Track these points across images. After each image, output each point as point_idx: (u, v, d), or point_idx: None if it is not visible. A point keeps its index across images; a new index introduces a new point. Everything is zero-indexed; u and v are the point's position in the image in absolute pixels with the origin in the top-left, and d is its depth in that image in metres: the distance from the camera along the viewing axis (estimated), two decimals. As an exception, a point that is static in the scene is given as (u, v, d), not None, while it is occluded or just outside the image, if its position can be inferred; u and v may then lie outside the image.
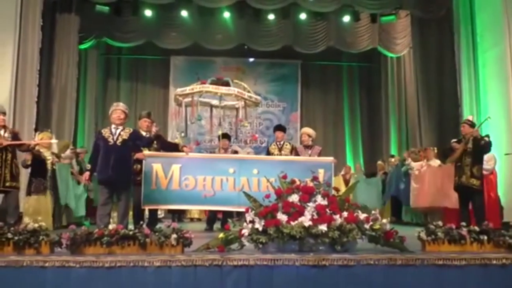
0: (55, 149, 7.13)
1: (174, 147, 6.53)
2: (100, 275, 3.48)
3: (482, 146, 5.94)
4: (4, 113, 5.75)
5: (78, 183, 7.77)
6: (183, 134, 7.61)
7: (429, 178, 7.85)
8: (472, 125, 6.24)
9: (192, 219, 9.74)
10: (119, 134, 5.30)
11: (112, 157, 5.20)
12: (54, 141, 7.03)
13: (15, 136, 5.77)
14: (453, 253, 3.79)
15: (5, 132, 5.65)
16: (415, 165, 8.38)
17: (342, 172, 10.51)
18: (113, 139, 5.26)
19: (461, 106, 9.05)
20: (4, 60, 7.58)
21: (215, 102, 7.62)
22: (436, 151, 8.44)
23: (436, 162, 8.11)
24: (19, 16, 7.97)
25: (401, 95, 11.92)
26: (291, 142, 7.60)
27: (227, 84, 6.96)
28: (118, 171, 5.21)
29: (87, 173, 5.38)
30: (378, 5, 10.23)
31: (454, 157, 6.07)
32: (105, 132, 5.34)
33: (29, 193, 6.68)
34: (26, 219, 6.31)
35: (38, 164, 6.70)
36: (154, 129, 6.18)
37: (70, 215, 7.86)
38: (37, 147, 6.75)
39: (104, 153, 5.24)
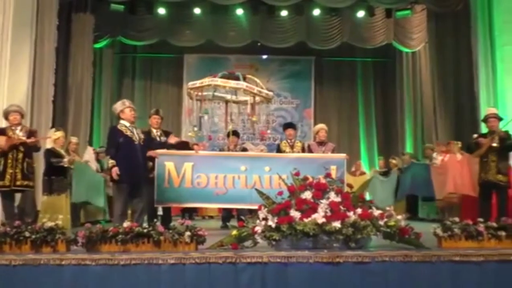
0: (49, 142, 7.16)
1: (185, 145, 6.56)
2: (116, 272, 3.53)
3: (509, 146, 5.86)
4: (18, 112, 5.78)
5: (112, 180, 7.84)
6: (196, 128, 7.61)
7: (452, 167, 7.73)
8: (500, 119, 6.14)
9: (204, 217, 9.77)
10: (138, 133, 5.37)
11: (139, 156, 5.30)
12: (59, 133, 7.00)
13: (30, 135, 5.79)
14: (470, 249, 3.75)
15: (20, 130, 5.70)
16: (439, 159, 8.25)
17: (353, 169, 10.45)
18: (136, 138, 5.31)
19: (478, 101, 8.88)
20: (21, 59, 7.66)
21: (229, 96, 7.61)
22: (460, 145, 8.30)
23: (459, 157, 7.98)
24: (35, 16, 8.04)
25: (417, 91, 11.76)
26: (301, 140, 7.58)
27: (237, 78, 6.93)
28: (143, 171, 5.36)
29: (116, 168, 5.13)
30: (393, -1, 10.12)
31: (480, 153, 5.99)
32: (125, 130, 5.29)
33: (49, 192, 6.79)
34: (43, 218, 6.43)
35: (57, 163, 6.83)
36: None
37: (88, 214, 7.97)
38: (50, 146, 6.87)
39: (129, 152, 5.23)
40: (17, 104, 6.22)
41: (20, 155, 5.59)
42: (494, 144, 5.87)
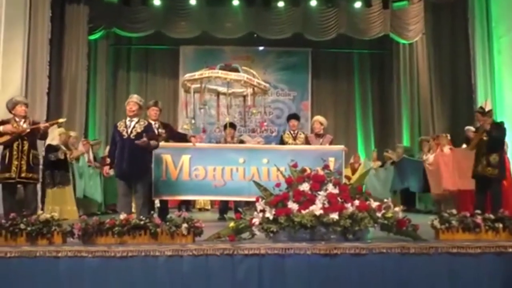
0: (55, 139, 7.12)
1: (183, 137, 6.53)
2: (112, 265, 3.51)
3: (493, 139, 5.92)
4: (26, 104, 5.72)
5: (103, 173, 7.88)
6: (193, 121, 7.56)
7: (444, 164, 7.76)
8: (483, 113, 6.18)
9: (200, 209, 9.76)
10: (134, 127, 5.33)
11: (126, 150, 5.25)
12: (62, 120, 6.80)
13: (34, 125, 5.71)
14: (467, 241, 3.75)
15: (24, 122, 5.60)
16: (432, 158, 8.29)
17: (351, 161, 10.44)
18: (127, 132, 5.31)
19: (475, 93, 8.89)
20: (14, 51, 7.59)
21: (222, 89, 7.55)
22: (449, 137, 8.33)
23: (448, 149, 8.01)
24: (28, 7, 7.96)
25: (414, 82, 11.73)
26: (304, 131, 7.55)
27: (236, 70, 6.87)
28: (132, 164, 5.25)
29: (106, 167, 5.57)
30: (390, -10, 10.07)
31: (472, 146, 6.10)
32: (120, 125, 5.39)
33: (53, 185, 6.79)
34: (48, 209, 6.43)
35: (54, 158, 6.83)
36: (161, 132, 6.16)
37: (86, 206, 7.95)
38: (54, 142, 6.83)
39: (119, 147, 5.32)
40: (22, 95, 6.16)
41: (26, 146, 5.51)
42: (484, 138, 5.94)
